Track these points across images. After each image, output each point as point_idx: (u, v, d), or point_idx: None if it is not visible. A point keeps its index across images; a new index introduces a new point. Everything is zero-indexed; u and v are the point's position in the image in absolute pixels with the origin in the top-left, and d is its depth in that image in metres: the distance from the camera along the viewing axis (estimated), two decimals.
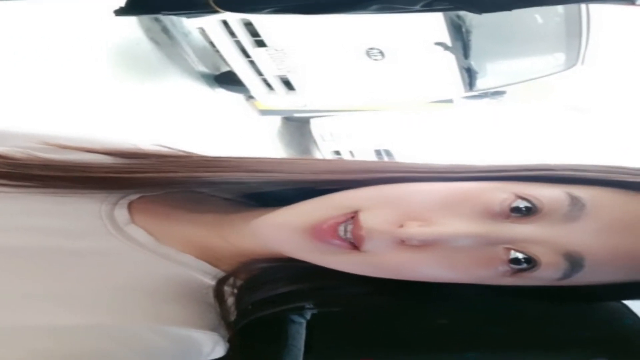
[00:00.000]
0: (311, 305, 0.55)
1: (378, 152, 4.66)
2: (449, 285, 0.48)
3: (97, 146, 0.55)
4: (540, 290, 0.48)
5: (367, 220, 0.44)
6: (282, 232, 0.47)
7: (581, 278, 0.43)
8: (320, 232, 0.45)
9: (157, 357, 0.46)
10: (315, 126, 4.68)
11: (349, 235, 0.45)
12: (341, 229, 0.45)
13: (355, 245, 0.45)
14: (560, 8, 2.87)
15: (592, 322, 0.53)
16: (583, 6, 2.86)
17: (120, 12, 1.83)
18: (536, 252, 0.42)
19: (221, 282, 0.51)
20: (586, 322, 0.53)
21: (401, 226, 0.44)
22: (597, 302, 0.53)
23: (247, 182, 0.52)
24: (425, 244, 0.43)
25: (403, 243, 0.43)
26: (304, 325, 0.56)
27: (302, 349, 0.55)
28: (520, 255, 0.42)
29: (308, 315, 0.56)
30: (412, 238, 0.43)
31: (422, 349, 0.56)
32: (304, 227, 0.45)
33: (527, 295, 0.50)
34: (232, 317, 0.51)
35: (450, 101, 3.69)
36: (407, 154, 4.45)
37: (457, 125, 4.25)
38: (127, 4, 1.81)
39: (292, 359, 0.54)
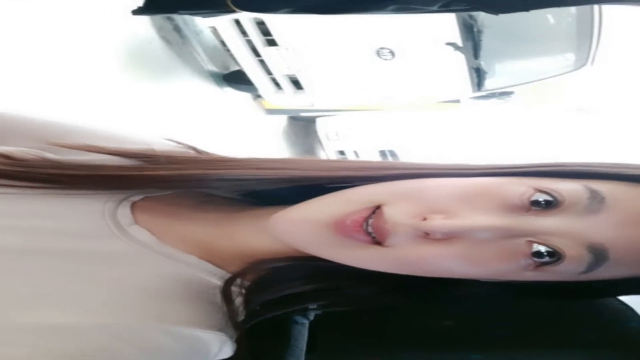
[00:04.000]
0: (319, 306, 0.54)
1: (382, 153, 4.65)
2: (456, 286, 0.48)
3: (107, 146, 0.54)
4: (547, 289, 0.47)
5: (392, 214, 0.44)
6: (302, 227, 0.46)
7: (603, 272, 0.43)
8: (344, 227, 0.44)
9: (164, 357, 0.46)
10: (321, 125, 4.67)
11: (370, 229, 0.44)
12: (365, 223, 0.44)
13: (377, 239, 0.44)
14: (572, 8, 2.86)
15: (597, 324, 0.53)
16: (596, 6, 2.86)
17: (138, 11, 1.84)
18: (559, 244, 0.42)
19: (229, 283, 0.51)
20: (591, 324, 0.53)
21: (424, 219, 0.43)
22: (605, 298, 0.53)
23: (260, 178, 0.52)
24: (448, 237, 0.43)
25: (426, 236, 0.43)
26: (307, 326, 0.56)
27: (304, 349, 0.55)
28: (542, 248, 0.42)
29: (311, 316, 0.56)
30: (436, 230, 0.42)
31: (426, 349, 0.55)
32: (327, 221, 0.45)
33: (533, 294, 0.49)
34: (240, 318, 0.51)
35: (457, 101, 3.68)
36: (412, 155, 4.43)
37: (463, 126, 4.24)
38: (145, 3, 1.82)
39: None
